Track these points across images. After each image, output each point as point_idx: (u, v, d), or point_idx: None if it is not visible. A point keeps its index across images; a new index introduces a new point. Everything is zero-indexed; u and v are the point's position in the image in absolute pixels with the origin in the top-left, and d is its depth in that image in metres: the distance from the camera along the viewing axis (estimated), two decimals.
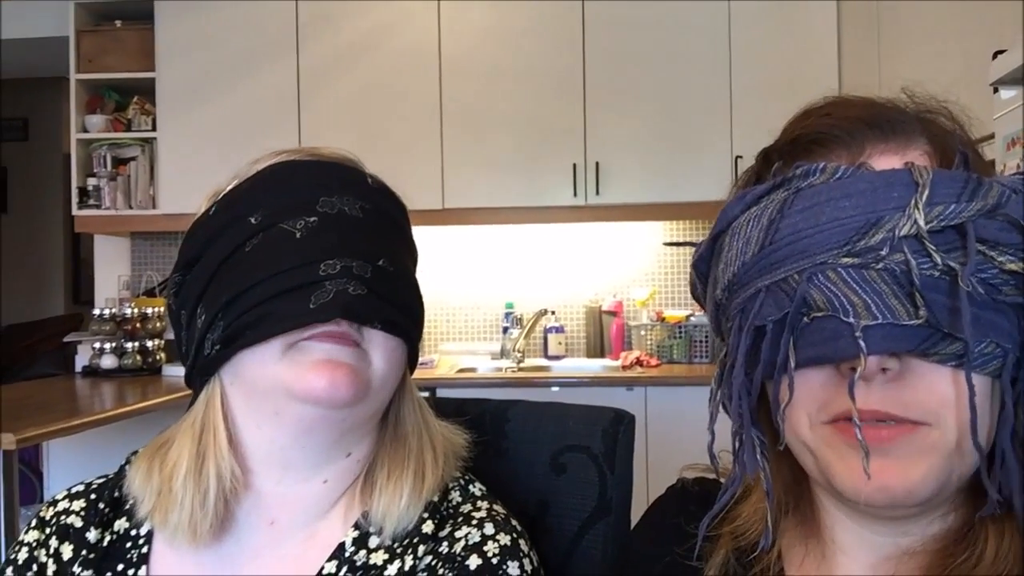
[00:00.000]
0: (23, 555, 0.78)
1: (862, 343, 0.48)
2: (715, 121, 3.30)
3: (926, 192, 0.49)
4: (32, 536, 0.79)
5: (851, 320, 0.49)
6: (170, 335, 3.49)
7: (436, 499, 0.76)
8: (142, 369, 3.26)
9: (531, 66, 3.36)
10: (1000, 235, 0.49)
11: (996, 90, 1.60)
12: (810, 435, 0.54)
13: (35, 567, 0.77)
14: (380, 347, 0.72)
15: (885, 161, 0.54)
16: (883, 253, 0.50)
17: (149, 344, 3.33)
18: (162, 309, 3.49)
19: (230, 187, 0.76)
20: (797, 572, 0.62)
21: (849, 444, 0.51)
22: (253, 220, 0.72)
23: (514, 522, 0.77)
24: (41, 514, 0.81)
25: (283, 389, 0.69)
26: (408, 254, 0.80)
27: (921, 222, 0.49)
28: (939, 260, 0.49)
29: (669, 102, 3.33)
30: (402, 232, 0.80)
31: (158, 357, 3.34)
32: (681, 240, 3.53)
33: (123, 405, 2.41)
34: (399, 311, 0.73)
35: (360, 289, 0.69)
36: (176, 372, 3.25)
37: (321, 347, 0.69)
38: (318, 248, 0.70)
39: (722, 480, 0.59)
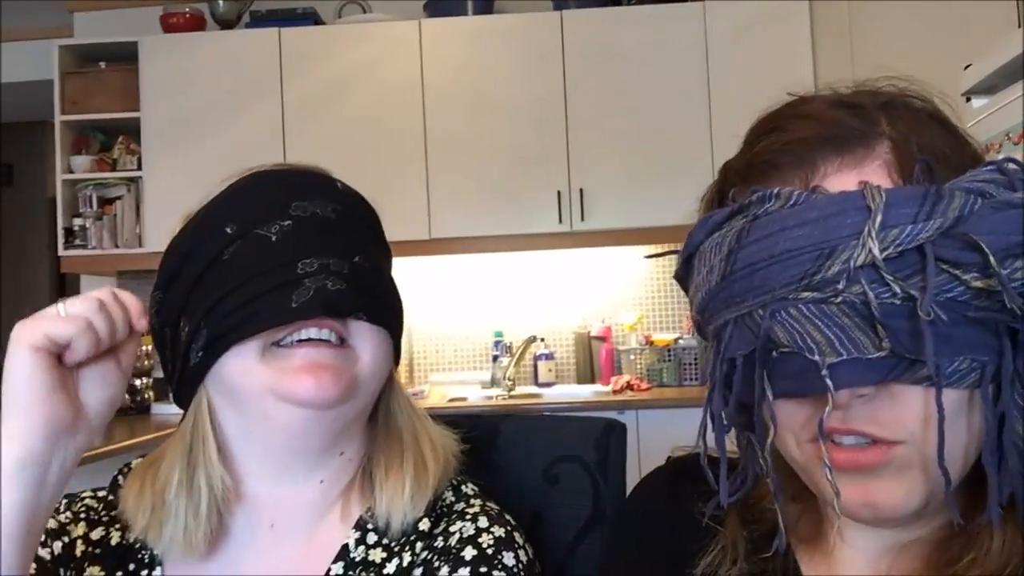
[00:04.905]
0: (52, 524, 0.76)
1: (829, 382, 0.47)
2: (696, 141, 3.33)
3: (879, 217, 0.47)
4: (60, 518, 0.78)
5: (816, 358, 0.48)
6: (159, 373, 3.48)
7: (432, 497, 0.77)
8: (131, 408, 3.23)
9: (513, 96, 3.40)
10: (962, 255, 0.46)
11: (968, 99, 1.63)
12: (798, 453, 0.54)
13: (65, 539, 0.76)
14: (368, 340, 0.74)
15: (841, 180, 0.52)
16: (840, 287, 0.48)
17: (137, 383, 3.30)
18: (150, 348, 3.46)
19: (204, 203, 0.78)
20: (808, 563, 0.62)
21: (834, 464, 0.51)
22: (229, 230, 0.74)
23: (508, 516, 0.78)
24: (65, 500, 0.80)
25: (269, 392, 0.70)
26: (382, 254, 0.82)
27: (876, 251, 0.47)
28: (898, 290, 0.47)
29: (650, 124, 3.36)
30: (375, 233, 0.82)
31: (147, 395, 3.32)
32: (664, 251, 3.53)
33: (111, 443, 2.39)
34: (381, 302, 0.75)
35: (339, 284, 0.71)
36: (165, 411, 3.22)
37: (302, 352, 0.70)
38: (295, 249, 0.72)
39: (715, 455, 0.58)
